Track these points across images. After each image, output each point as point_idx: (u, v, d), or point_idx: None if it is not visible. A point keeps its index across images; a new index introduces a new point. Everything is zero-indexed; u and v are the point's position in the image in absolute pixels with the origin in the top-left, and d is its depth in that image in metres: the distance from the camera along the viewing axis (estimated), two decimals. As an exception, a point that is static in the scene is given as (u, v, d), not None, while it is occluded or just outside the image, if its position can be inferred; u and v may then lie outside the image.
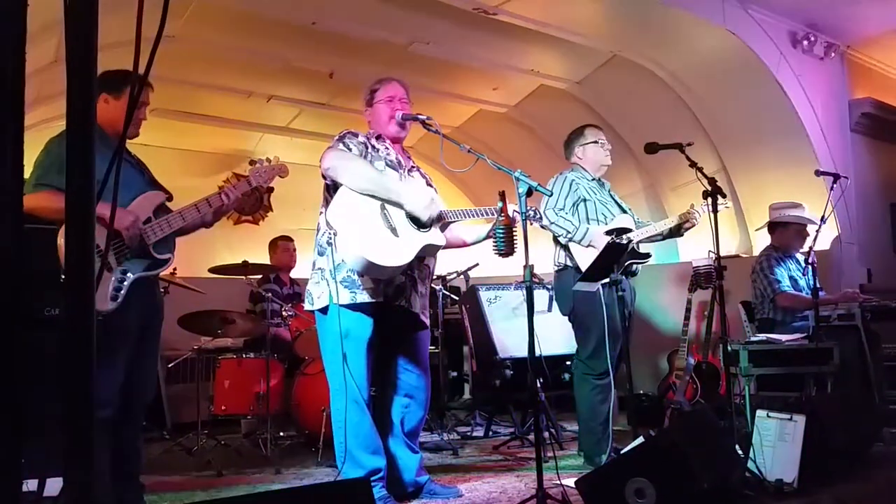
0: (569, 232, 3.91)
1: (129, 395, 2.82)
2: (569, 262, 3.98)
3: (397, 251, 2.97)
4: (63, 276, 2.64)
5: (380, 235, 2.97)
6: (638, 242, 4.00)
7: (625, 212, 4.14)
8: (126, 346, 2.78)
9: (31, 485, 2.71)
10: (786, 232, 4.92)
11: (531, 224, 3.05)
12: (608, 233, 3.88)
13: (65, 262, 0.98)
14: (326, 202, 3.15)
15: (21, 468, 0.88)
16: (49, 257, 2.78)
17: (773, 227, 5.00)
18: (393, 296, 3.12)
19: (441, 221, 3.16)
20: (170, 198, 3.03)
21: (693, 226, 4.05)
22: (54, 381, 2.57)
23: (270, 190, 7.12)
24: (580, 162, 4.22)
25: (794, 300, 4.70)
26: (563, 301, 4.09)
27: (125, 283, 2.73)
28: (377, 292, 3.08)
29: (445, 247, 3.22)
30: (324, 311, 3.12)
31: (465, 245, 3.45)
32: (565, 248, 4.00)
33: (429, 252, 3.19)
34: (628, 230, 3.94)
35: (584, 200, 4.03)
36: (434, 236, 3.11)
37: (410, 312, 3.21)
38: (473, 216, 3.25)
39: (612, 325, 3.77)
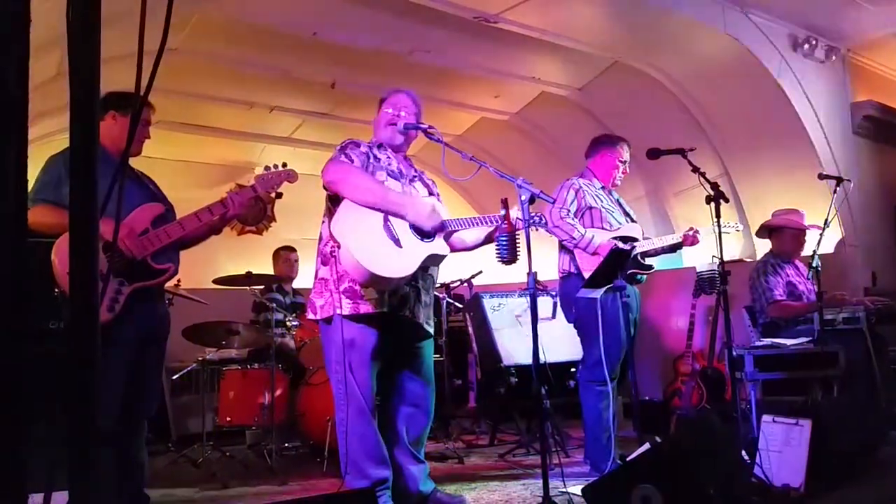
0: (573, 238, 3.90)
1: (131, 408, 2.79)
2: (573, 269, 3.97)
3: (401, 263, 2.97)
4: (56, 291, 2.65)
5: (383, 247, 2.96)
6: (641, 255, 3.98)
7: (632, 219, 4.14)
8: (123, 357, 2.73)
9: (36, 499, 2.70)
10: (781, 236, 4.91)
11: (535, 230, 3.04)
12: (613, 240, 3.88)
13: (69, 279, 0.98)
14: (329, 212, 3.14)
15: (26, 482, 0.88)
16: (43, 272, 2.75)
17: (770, 232, 5.00)
18: (397, 306, 3.11)
19: (444, 231, 3.15)
20: (170, 209, 3.02)
21: (692, 245, 4.07)
22: (58, 395, 2.57)
23: (279, 195, 7.07)
24: (594, 168, 4.19)
25: (784, 310, 4.67)
26: (567, 308, 4.08)
27: (122, 293, 2.71)
28: (381, 303, 3.07)
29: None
30: (327, 321, 3.11)
31: (465, 247, 3.41)
32: (570, 254, 3.98)
33: (433, 262, 3.18)
34: (635, 239, 3.93)
35: (591, 208, 4.01)
36: (438, 246, 3.11)
37: (415, 322, 3.21)
38: (476, 225, 3.24)
39: (616, 332, 3.75)
